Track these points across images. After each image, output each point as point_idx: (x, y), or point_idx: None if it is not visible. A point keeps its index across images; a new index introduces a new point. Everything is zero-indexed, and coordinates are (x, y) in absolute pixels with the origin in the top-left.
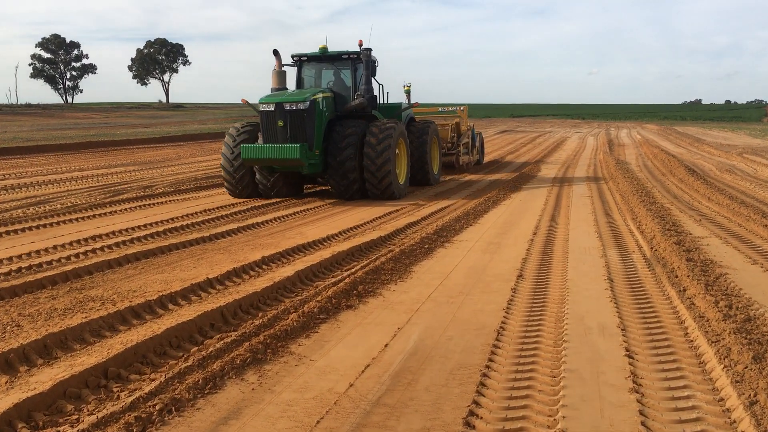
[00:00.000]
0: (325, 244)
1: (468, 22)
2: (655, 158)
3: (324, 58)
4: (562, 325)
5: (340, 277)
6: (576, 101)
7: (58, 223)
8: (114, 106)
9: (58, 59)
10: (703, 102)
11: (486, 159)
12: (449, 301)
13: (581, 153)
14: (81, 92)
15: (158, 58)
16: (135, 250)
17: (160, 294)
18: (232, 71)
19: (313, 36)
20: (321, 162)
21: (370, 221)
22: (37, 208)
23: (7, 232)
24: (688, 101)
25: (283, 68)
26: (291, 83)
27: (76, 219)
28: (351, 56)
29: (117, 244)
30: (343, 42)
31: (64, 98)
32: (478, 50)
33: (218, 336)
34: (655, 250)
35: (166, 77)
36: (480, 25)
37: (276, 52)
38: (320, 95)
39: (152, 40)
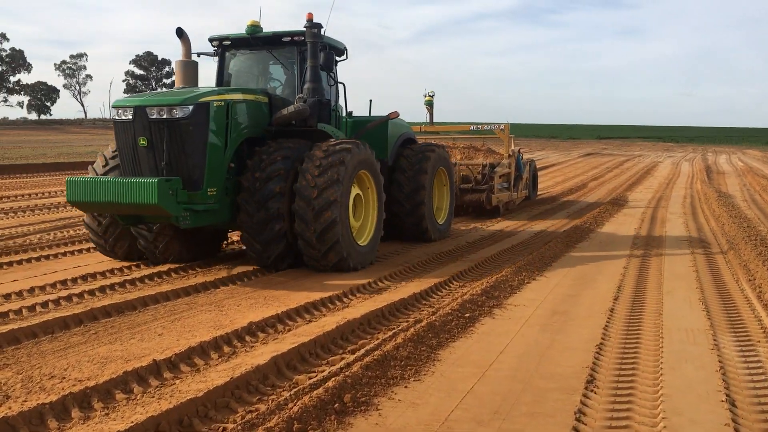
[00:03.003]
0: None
1: (555, 42)
2: (764, 191)
3: (256, 41)
4: None
5: (325, 374)
6: (668, 123)
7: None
8: None
9: (150, 75)
10: None
11: (565, 186)
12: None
13: (675, 181)
14: None
15: None
16: None
17: None
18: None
19: (401, 54)
20: (227, 207)
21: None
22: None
23: None
24: None
25: (197, 57)
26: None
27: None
28: (297, 39)
29: None
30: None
31: None
32: (564, 70)
33: None
34: None
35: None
36: (567, 45)
37: (181, 32)
38: (221, 97)
39: None
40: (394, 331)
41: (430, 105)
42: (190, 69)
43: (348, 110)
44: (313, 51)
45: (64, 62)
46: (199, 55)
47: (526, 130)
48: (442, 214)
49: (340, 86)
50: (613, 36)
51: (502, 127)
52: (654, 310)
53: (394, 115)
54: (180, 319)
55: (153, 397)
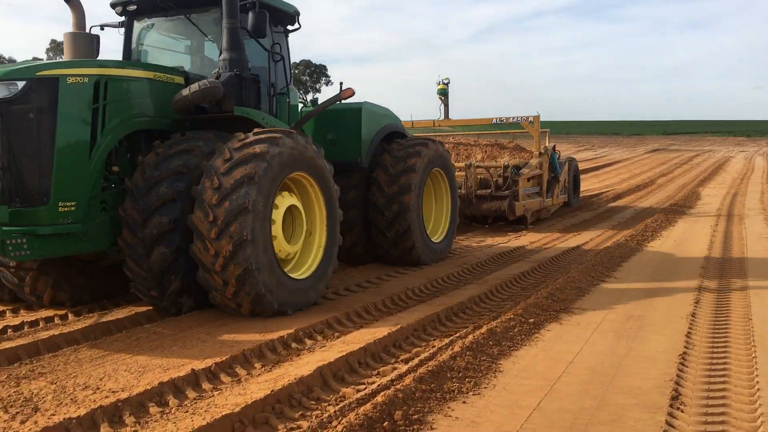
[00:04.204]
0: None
1: (618, 37)
2: None
3: (168, 3)
4: None
5: (374, 387)
6: (739, 117)
7: None
8: None
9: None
10: None
11: (631, 183)
12: None
13: (749, 177)
14: None
15: (302, 78)
16: None
17: None
18: (373, 91)
19: (458, 54)
20: (103, 228)
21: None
22: None
23: None
24: None
25: (100, 30)
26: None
27: None
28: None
29: None
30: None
31: None
32: (628, 66)
33: None
34: None
35: (309, 97)
36: (630, 40)
37: None
38: (83, 71)
39: (297, 62)
40: (451, 338)
41: (444, 94)
42: (83, 43)
43: (314, 97)
44: (231, 7)
45: None
46: (102, 27)
47: (588, 127)
48: (440, 230)
49: (282, 62)
50: (680, 29)
51: (530, 119)
52: (742, 314)
53: (348, 93)
54: (225, 324)
55: (187, 411)
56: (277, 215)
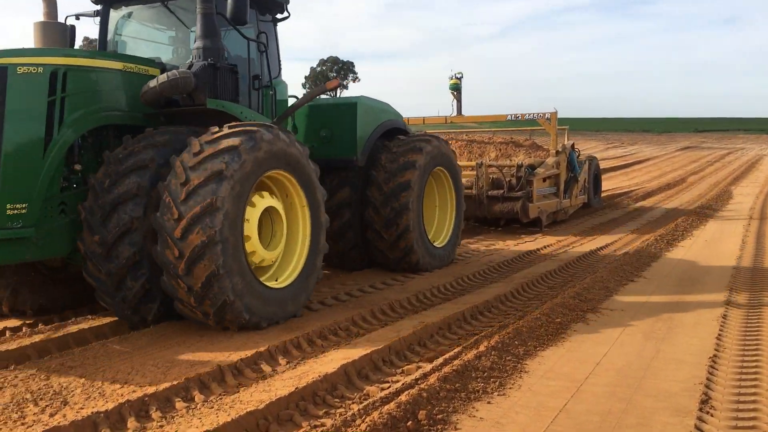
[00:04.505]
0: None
1: (648, 33)
2: None
3: None
4: None
5: (398, 386)
6: None
7: None
8: None
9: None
10: None
11: (662, 181)
12: None
13: None
14: None
15: (330, 75)
16: None
17: None
18: (399, 87)
19: (484, 51)
20: (62, 232)
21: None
22: None
23: None
24: None
25: (75, 20)
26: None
27: None
28: None
29: None
30: None
31: None
32: (658, 62)
33: None
34: None
35: (336, 94)
36: (661, 36)
37: None
38: (38, 60)
39: (325, 59)
40: (476, 337)
41: (456, 90)
42: (54, 34)
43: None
44: None
45: None
46: (78, 17)
47: (617, 124)
48: (443, 234)
49: (258, 50)
50: (709, 26)
51: (547, 116)
52: None
53: (333, 84)
54: None
55: (212, 407)
56: (252, 215)
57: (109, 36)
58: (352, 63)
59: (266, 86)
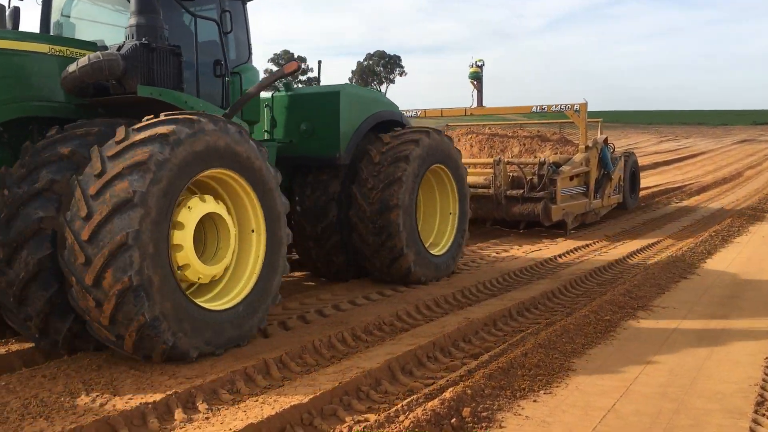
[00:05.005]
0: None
1: (703, 24)
2: None
3: None
4: None
5: (443, 383)
6: None
7: None
8: None
9: None
10: None
11: (717, 175)
12: None
13: None
14: None
15: (377, 69)
16: None
17: None
18: (446, 81)
19: (535, 44)
20: None
21: None
22: None
23: None
24: None
25: (19, 1)
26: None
27: None
28: None
29: None
30: None
31: None
32: (714, 53)
33: None
34: None
35: (383, 88)
36: (716, 27)
37: None
38: None
39: (372, 53)
40: (522, 334)
41: (477, 79)
42: None
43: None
44: None
45: None
46: None
47: (671, 117)
48: (443, 240)
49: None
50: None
51: (576, 107)
52: None
53: (291, 67)
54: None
55: (257, 400)
56: (187, 219)
57: (55, 17)
58: (398, 57)
59: (234, 74)
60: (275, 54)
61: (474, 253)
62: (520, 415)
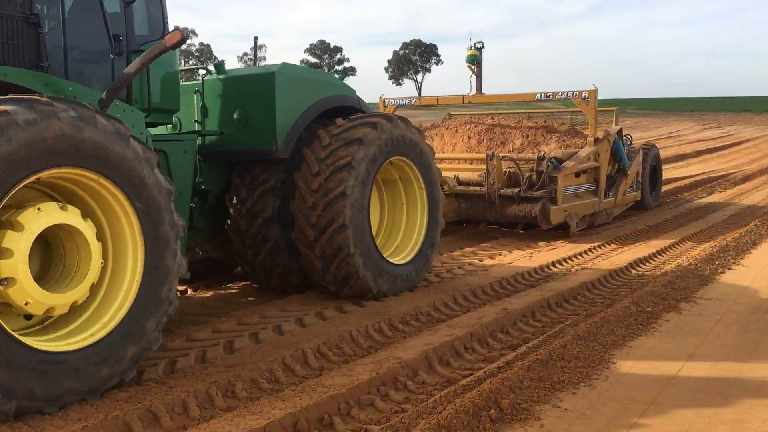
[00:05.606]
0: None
1: (748, 8)
2: None
3: None
4: None
5: (481, 374)
6: None
7: None
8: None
9: (323, 63)
10: None
11: (762, 163)
12: None
13: None
14: None
15: (413, 59)
16: None
17: None
18: (483, 70)
19: (572, 30)
20: None
21: None
22: None
23: None
24: None
25: None
26: None
27: None
28: None
29: None
30: None
31: None
32: (760, 38)
33: None
34: None
35: (419, 77)
36: (764, 11)
37: None
38: None
39: (407, 42)
40: (561, 325)
41: (475, 62)
42: None
43: (220, 60)
44: None
45: (245, 54)
46: None
47: (715, 104)
48: (408, 246)
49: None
50: None
51: (585, 94)
52: None
53: (174, 37)
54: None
55: (295, 390)
56: (24, 227)
57: None
58: (435, 46)
59: (134, 51)
60: (311, 44)
61: (456, 260)
62: (558, 407)
